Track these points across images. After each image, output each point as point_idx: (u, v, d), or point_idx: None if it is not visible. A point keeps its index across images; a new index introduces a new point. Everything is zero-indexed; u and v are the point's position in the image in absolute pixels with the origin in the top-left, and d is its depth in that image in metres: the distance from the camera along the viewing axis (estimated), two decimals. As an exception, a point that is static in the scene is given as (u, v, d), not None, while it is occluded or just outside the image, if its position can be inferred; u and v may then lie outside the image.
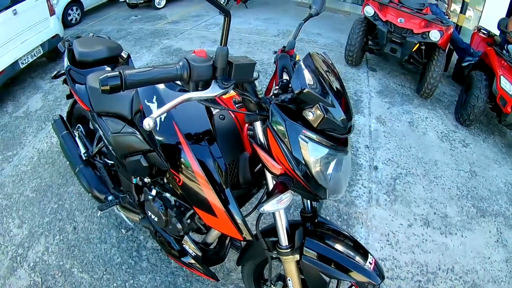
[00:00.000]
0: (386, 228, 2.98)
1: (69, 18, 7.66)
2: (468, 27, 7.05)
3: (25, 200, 2.94)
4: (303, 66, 1.26)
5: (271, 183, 1.40)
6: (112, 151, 1.97)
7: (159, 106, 1.54)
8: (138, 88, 1.68)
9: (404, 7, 5.11)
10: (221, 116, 1.53)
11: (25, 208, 2.87)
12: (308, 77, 1.22)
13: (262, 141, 1.33)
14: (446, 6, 6.19)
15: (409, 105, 4.95)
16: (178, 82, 1.53)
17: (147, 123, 1.00)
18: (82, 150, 2.52)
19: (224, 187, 1.44)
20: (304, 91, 1.17)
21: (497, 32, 5.36)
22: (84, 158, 2.50)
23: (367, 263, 1.45)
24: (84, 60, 2.34)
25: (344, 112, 1.23)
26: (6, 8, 4.51)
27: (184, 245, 1.93)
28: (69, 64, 2.43)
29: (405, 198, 3.31)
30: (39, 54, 5.03)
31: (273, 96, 1.36)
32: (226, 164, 1.45)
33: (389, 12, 5.07)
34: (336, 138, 1.27)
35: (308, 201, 1.60)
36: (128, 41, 6.43)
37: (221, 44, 1.09)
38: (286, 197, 1.28)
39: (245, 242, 1.80)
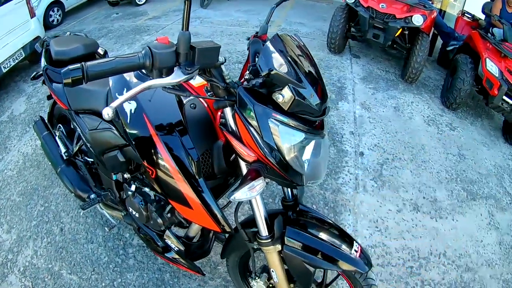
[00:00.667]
0: (374, 214, 2.86)
1: (51, 19, 7.55)
2: (452, 12, 7.00)
3: (12, 205, 2.88)
4: (270, 47, 1.21)
5: (245, 171, 1.34)
6: (91, 149, 1.93)
7: None
8: (110, 82, 1.63)
9: None
10: (192, 105, 1.49)
11: (13, 212, 2.81)
12: (276, 57, 1.17)
13: (234, 128, 1.27)
14: None
15: (394, 90, 4.85)
16: None
17: (106, 113, 0.99)
18: (63, 150, 2.46)
19: (197, 177, 1.38)
20: (272, 72, 1.11)
21: (482, 16, 5.31)
22: (65, 157, 2.45)
23: (353, 251, 1.39)
24: (60, 59, 2.29)
25: (317, 93, 1.19)
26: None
27: (166, 240, 1.88)
28: (46, 63, 2.39)
29: (392, 184, 3.20)
30: (21, 57, 4.88)
31: (242, 81, 1.29)
32: (198, 154, 1.39)
33: (370, -3, 4.96)
34: (310, 121, 1.22)
35: (289, 189, 1.54)
36: (109, 39, 6.29)
37: (182, 29, 1.04)
38: (258, 184, 1.20)
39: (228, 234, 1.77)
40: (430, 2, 5.37)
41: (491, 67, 4.12)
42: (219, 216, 1.42)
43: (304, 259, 1.40)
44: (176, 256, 1.87)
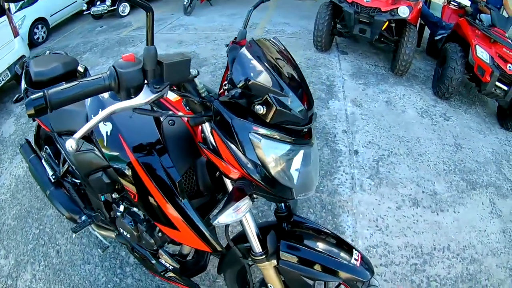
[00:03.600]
0: (373, 213, 2.79)
1: (36, 37, 7.57)
2: (437, 1, 6.96)
3: (8, 229, 2.84)
4: (246, 54, 1.11)
5: (230, 188, 1.28)
6: (76, 170, 1.86)
7: None
8: (87, 101, 1.56)
9: None
10: (170, 122, 1.41)
11: (9, 237, 2.77)
12: (253, 65, 1.08)
13: (214, 144, 1.19)
14: None
15: (385, 84, 4.79)
16: None
17: (69, 145, 0.92)
18: (50, 173, 2.39)
19: (180, 198, 1.31)
20: (249, 82, 1.04)
21: (468, 3, 5.26)
22: (52, 180, 2.37)
23: (353, 260, 1.33)
24: (40, 80, 2.24)
25: (301, 100, 1.10)
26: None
27: (160, 259, 1.81)
28: (26, 86, 2.33)
29: (390, 180, 3.13)
30: (7, 78, 4.84)
31: (222, 93, 1.23)
32: (179, 173, 1.32)
33: (354, -8, 4.91)
34: (297, 130, 1.13)
35: None
36: (94, 53, 6.22)
37: (147, 44, 0.95)
38: (244, 204, 1.14)
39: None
40: None
41: (482, 53, 4.08)
42: (207, 236, 1.36)
43: (301, 273, 1.34)
44: (172, 274, 1.82)
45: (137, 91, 0.97)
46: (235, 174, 1.16)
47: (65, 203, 2.27)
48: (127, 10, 8.71)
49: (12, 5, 9.43)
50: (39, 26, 7.67)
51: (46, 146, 2.58)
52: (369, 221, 2.72)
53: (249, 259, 1.45)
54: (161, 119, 1.39)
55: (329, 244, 1.37)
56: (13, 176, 3.38)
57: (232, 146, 1.10)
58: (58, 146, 2.00)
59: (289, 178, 1.14)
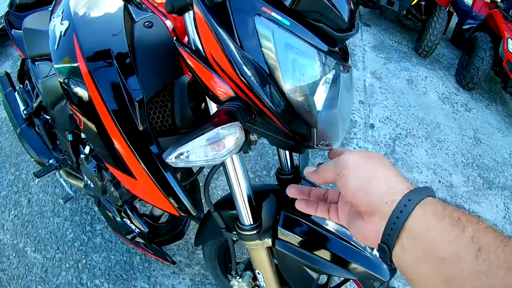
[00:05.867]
0: (384, 195, 2.49)
1: None
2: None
3: None
4: None
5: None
6: (43, 101, 1.59)
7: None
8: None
9: None
10: (147, 23, 0.98)
11: None
12: None
13: (198, 40, 0.75)
14: None
15: (407, 62, 4.47)
16: None
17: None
18: (22, 107, 2.15)
19: (140, 128, 0.91)
20: None
21: None
22: (24, 116, 2.12)
23: (374, 251, 0.96)
24: (24, 3, 2.10)
25: None
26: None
27: (125, 219, 1.46)
28: (8, 8, 2.16)
29: (406, 162, 2.84)
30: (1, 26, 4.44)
31: None
32: (144, 95, 0.90)
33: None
34: (330, 38, 0.71)
35: (287, 154, 1.09)
36: None
37: None
38: (230, 135, 0.70)
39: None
40: None
41: None
42: (176, 192, 0.97)
43: (304, 261, 0.98)
44: (140, 240, 1.50)
45: None
46: (223, 93, 0.73)
47: (35, 144, 2.05)
48: None
49: None
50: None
51: (26, 81, 2.28)
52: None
53: (234, 233, 1.08)
54: (135, 17, 0.99)
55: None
56: (-1, 117, 3.07)
57: (224, 35, 0.67)
58: (31, 73, 1.76)
59: (310, 107, 0.72)
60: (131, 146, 0.92)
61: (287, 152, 1.09)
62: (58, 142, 1.91)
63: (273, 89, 0.69)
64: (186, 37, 0.80)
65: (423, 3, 4.71)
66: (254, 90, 0.69)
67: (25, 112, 2.10)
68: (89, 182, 1.40)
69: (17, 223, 2.28)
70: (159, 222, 1.53)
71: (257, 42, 0.66)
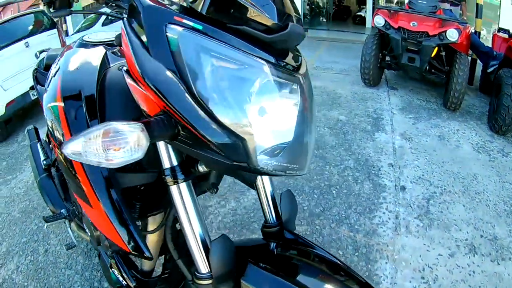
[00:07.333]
0: (420, 261, 2.41)
1: None
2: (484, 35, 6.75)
3: (11, 219, 3.00)
4: None
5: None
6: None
7: None
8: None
9: (416, 12, 4.85)
10: (121, 67, 1.10)
11: (9, 227, 2.92)
12: None
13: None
14: (461, 12, 5.86)
15: (437, 119, 4.49)
16: None
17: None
18: (42, 157, 2.28)
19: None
20: None
21: None
22: (43, 166, 2.24)
23: None
24: (50, 63, 2.26)
25: None
26: (19, 40, 4.90)
27: (113, 270, 1.36)
28: (36, 66, 2.35)
29: (442, 221, 2.78)
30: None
31: None
32: None
33: (400, 18, 4.82)
34: (261, 42, 0.70)
35: (271, 205, 1.06)
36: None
37: None
38: (129, 132, 0.65)
39: None
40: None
41: None
42: (130, 226, 0.94)
43: None
44: None
45: None
46: (150, 106, 0.74)
47: (51, 194, 2.10)
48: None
49: (69, 27, 10.17)
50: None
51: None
52: (413, 271, 2.34)
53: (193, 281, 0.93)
54: (110, 62, 1.12)
55: (339, 284, 0.88)
56: (33, 174, 3.42)
57: (136, 42, 0.72)
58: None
59: (234, 112, 0.68)
60: (83, 171, 0.96)
61: (270, 203, 1.06)
62: (69, 193, 1.93)
63: (186, 95, 0.68)
64: None
65: (443, 53, 4.79)
66: (161, 95, 0.70)
67: (44, 162, 2.23)
68: (87, 231, 1.41)
69: (31, 267, 2.46)
70: (152, 277, 1.44)
71: (167, 46, 0.68)
